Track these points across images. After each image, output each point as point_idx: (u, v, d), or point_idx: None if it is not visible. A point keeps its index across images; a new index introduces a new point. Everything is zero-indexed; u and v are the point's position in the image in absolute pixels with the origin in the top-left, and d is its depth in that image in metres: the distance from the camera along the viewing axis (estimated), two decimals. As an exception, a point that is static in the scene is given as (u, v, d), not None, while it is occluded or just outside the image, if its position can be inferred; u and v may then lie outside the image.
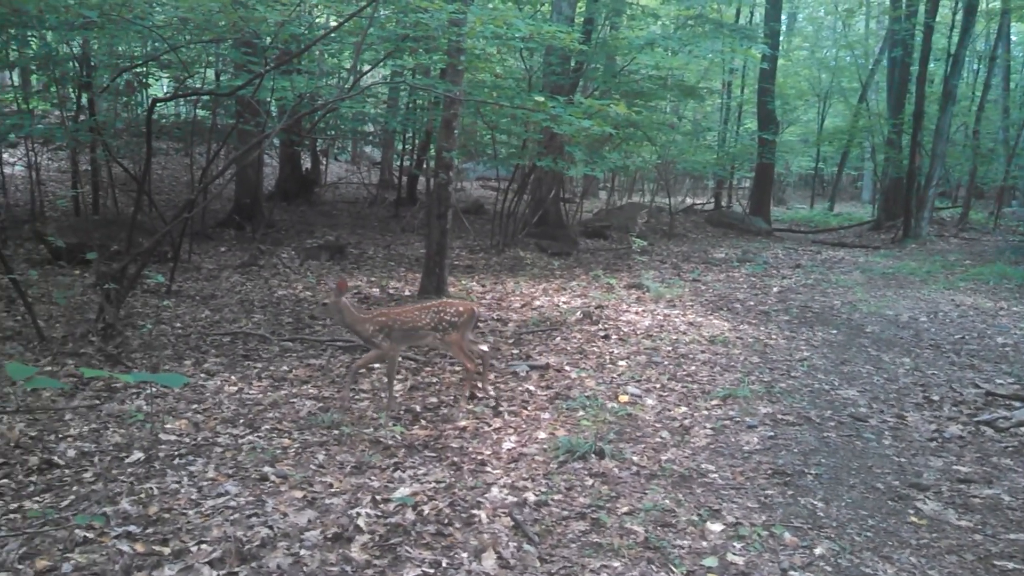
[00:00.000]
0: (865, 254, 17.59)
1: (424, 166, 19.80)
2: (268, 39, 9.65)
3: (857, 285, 12.85)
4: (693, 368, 7.68)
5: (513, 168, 15.82)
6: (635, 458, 5.40)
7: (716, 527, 4.46)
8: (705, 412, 6.44)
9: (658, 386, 7.08)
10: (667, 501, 4.75)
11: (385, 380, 6.59)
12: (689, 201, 27.23)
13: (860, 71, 29.13)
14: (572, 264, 14.04)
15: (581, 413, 6.24)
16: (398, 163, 22.90)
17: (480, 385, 6.71)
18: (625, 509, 4.63)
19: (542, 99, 7.47)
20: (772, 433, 5.98)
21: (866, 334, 9.41)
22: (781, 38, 26.00)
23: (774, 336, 9.11)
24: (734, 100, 29.11)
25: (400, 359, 7.05)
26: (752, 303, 11.08)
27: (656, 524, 4.47)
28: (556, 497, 4.75)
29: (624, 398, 6.64)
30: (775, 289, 12.29)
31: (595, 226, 18.68)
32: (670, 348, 8.34)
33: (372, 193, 21.15)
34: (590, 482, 4.99)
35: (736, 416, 6.33)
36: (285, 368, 7.33)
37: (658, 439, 5.82)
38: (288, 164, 19.35)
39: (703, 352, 8.26)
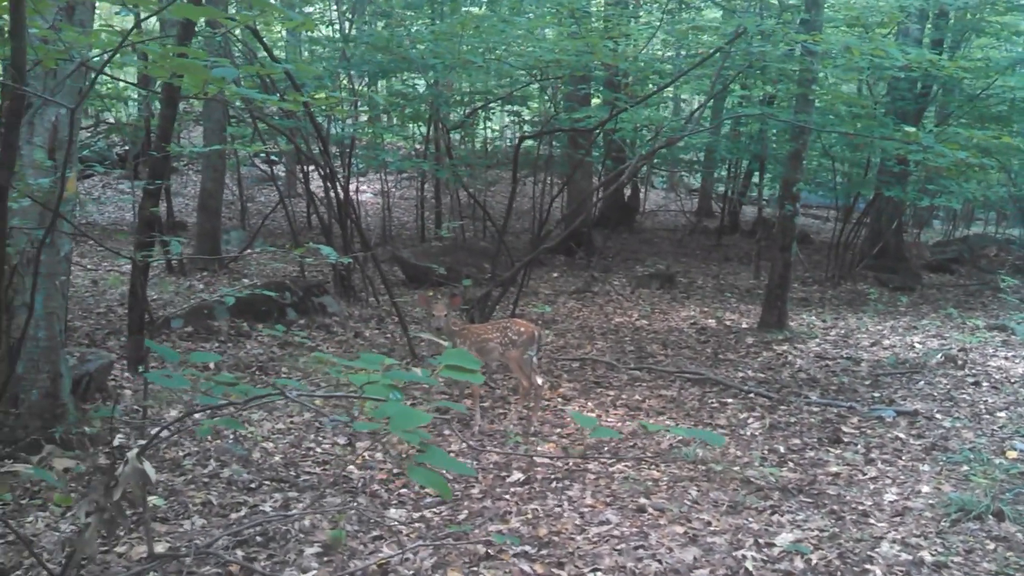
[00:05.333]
0: None
1: (748, 194, 19.41)
2: (615, 75, 9.91)
3: None
4: (1088, 425, 6.86)
5: (852, 197, 15.08)
6: (1039, 523, 4.89)
7: None
8: (1114, 477, 5.72)
9: (1049, 443, 6.39)
10: (1089, 577, 4.25)
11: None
12: (1045, 233, 24.56)
13: None
14: (917, 300, 13.10)
15: (966, 468, 5.76)
16: (719, 191, 22.61)
17: (525, 411, 6.80)
18: (1039, 581, 4.20)
19: (912, 130, 7.08)
20: None
21: None
22: None
23: None
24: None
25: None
26: None
27: (1080, 602, 4.02)
28: (955, 559, 4.40)
29: (1012, 454, 6.04)
30: None
31: (937, 259, 17.35)
32: (1055, 399, 7.52)
33: (692, 221, 21.04)
34: (991, 546, 4.57)
35: None
36: (638, 397, 7.44)
37: (1061, 504, 5.24)
38: (612, 192, 19.69)
39: (1096, 406, 7.37)
